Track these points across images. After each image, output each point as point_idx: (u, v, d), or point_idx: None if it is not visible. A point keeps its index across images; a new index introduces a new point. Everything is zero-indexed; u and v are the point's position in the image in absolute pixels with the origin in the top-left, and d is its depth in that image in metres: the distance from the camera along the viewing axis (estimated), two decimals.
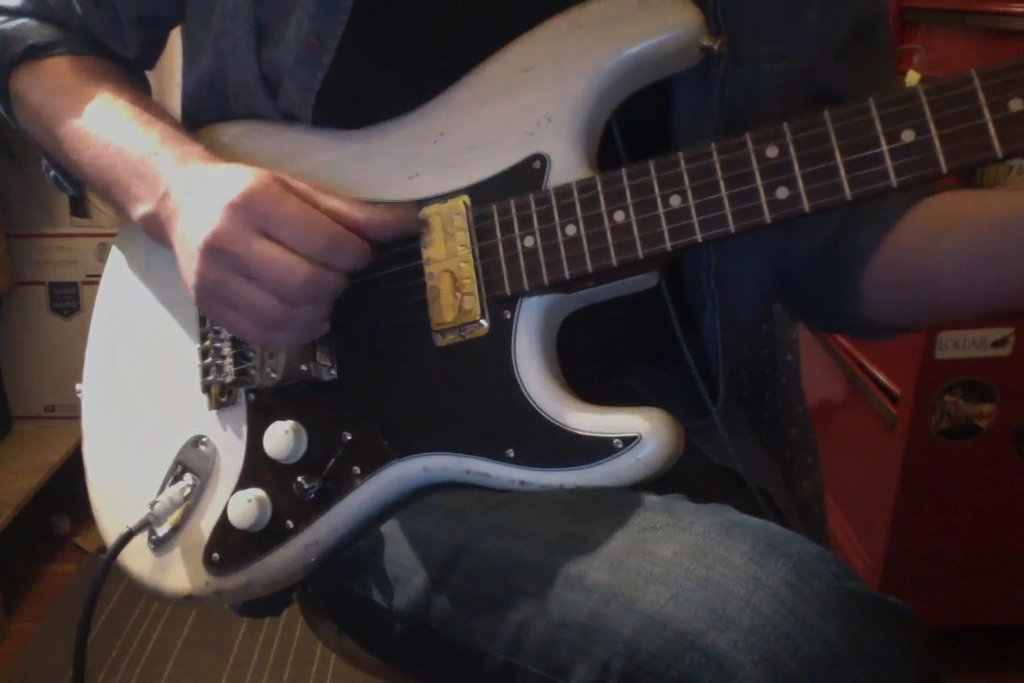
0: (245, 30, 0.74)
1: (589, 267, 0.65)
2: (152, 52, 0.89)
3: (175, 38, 0.90)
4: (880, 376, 1.70)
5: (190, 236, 0.67)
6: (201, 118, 0.82)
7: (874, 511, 1.70)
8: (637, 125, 0.71)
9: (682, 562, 0.54)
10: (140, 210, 0.73)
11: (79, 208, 2.18)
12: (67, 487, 2.08)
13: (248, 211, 0.65)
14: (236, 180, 0.66)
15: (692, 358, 0.75)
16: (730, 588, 0.52)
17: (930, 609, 1.65)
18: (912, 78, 1.78)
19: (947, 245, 0.68)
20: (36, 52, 0.82)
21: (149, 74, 0.92)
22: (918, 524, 1.65)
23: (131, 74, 0.86)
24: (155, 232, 0.73)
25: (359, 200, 0.71)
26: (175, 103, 0.87)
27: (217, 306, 0.68)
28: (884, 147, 0.57)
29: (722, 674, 0.50)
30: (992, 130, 0.54)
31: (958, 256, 0.67)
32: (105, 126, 0.77)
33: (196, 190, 0.69)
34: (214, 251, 0.65)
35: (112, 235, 0.90)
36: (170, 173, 0.71)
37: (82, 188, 0.90)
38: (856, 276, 0.76)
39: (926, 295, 0.71)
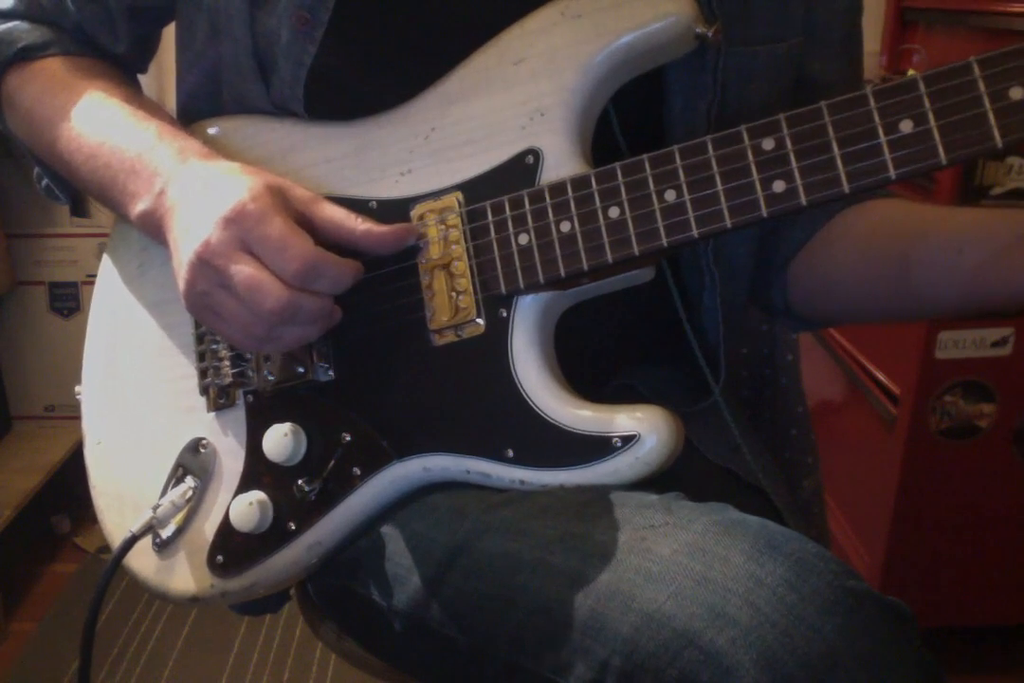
0: (237, 5, 0.73)
1: (584, 265, 0.65)
2: (144, 50, 0.88)
3: (171, 50, 0.90)
4: (880, 376, 1.70)
5: (182, 244, 0.67)
6: (195, 115, 0.82)
7: (874, 511, 1.70)
8: (630, 107, 0.71)
9: (681, 560, 0.54)
10: (137, 207, 0.72)
11: (79, 208, 2.17)
12: (67, 487, 2.08)
13: (236, 227, 0.64)
14: (231, 191, 0.65)
15: (694, 337, 0.76)
16: (729, 586, 0.52)
17: (930, 609, 1.65)
18: None
19: (845, 258, 0.75)
20: (28, 53, 0.81)
21: (150, 75, 0.91)
22: (918, 524, 1.65)
23: (123, 73, 0.86)
24: (151, 229, 0.72)
25: (344, 204, 0.70)
26: (173, 106, 0.87)
27: (205, 313, 0.68)
28: (882, 138, 0.57)
29: (721, 672, 0.50)
30: (992, 119, 0.54)
31: (852, 269, 0.74)
32: (99, 124, 0.77)
33: (192, 192, 0.68)
34: (201, 263, 0.65)
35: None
36: (167, 169, 0.71)
37: (74, 196, 0.89)
38: (782, 270, 0.80)
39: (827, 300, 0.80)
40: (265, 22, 0.73)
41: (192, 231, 0.66)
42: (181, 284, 0.67)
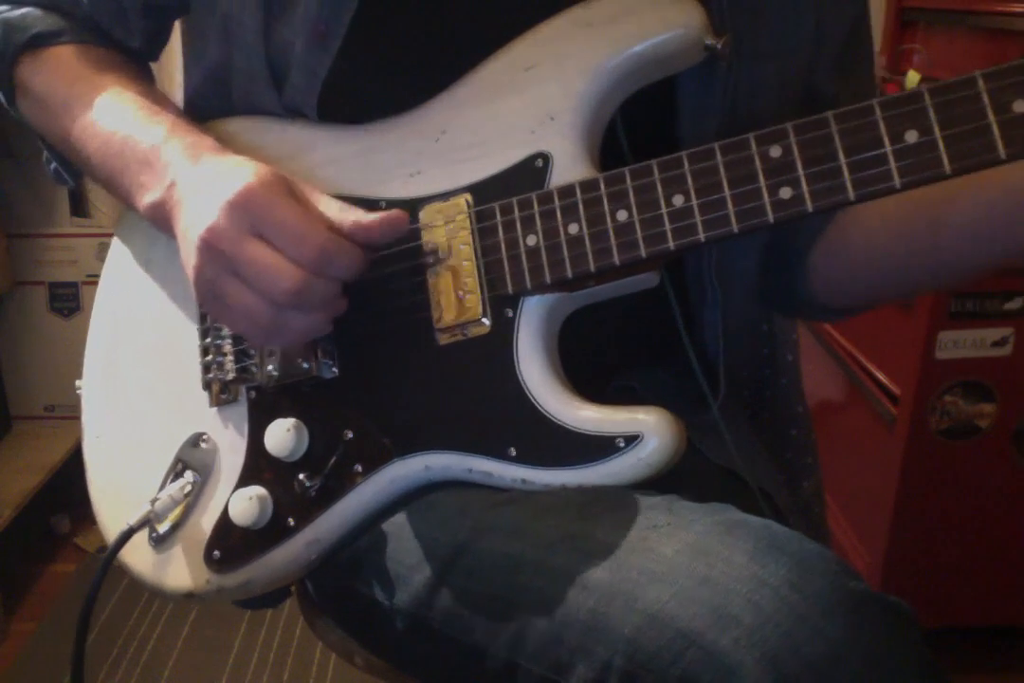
0: (252, 15, 0.74)
1: (592, 266, 0.65)
2: (157, 43, 0.88)
3: (175, 39, 0.90)
4: (880, 376, 1.70)
5: (190, 230, 0.67)
6: (203, 115, 0.82)
7: (874, 511, 1.70)
8: (640, 121, 0.71)
9: (683, 561, 0.54)
10: (147, 199, 0.73)
11: (79, 208, 2.18)
12: (67, 487, 2.08)
13: (245, 211, 0.64)
14: (239, 177, 0.65)
15: (694, 353, 0.75)
16: (731, 586, 0.52)
17: (930, 609, 1.65)
18: (912, 78, 1.79)
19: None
20: (41, 40, 0.81)
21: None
22: (918, 524, 1.65)
23: (136, 64, 0.86)
24: (160, 221, 0.72)
25: (353, 204, 0.69)
26: (176, 103, 0.87)
27: (213, 302, 0.68)
28: (888, 148, 0.57)
29: (724, 672, 0.50)
30: (996, 131, 0.54)
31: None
32: (113, 115, 0.77)
33: (201, 183, 0.68)
34: (209, 248, 0.64)
35: (112, 235, 0.89)
36: (178, 163, 0.71)
37: (81, 181, 0.90)
38: (802, 262, 0.79)
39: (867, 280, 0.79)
40: (280, 32, 0.73)
41: (199, 219, 0.65)
42: (190, 272, 0.67)
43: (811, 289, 0.81)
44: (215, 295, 0.66)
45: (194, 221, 0.66)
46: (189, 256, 0.66)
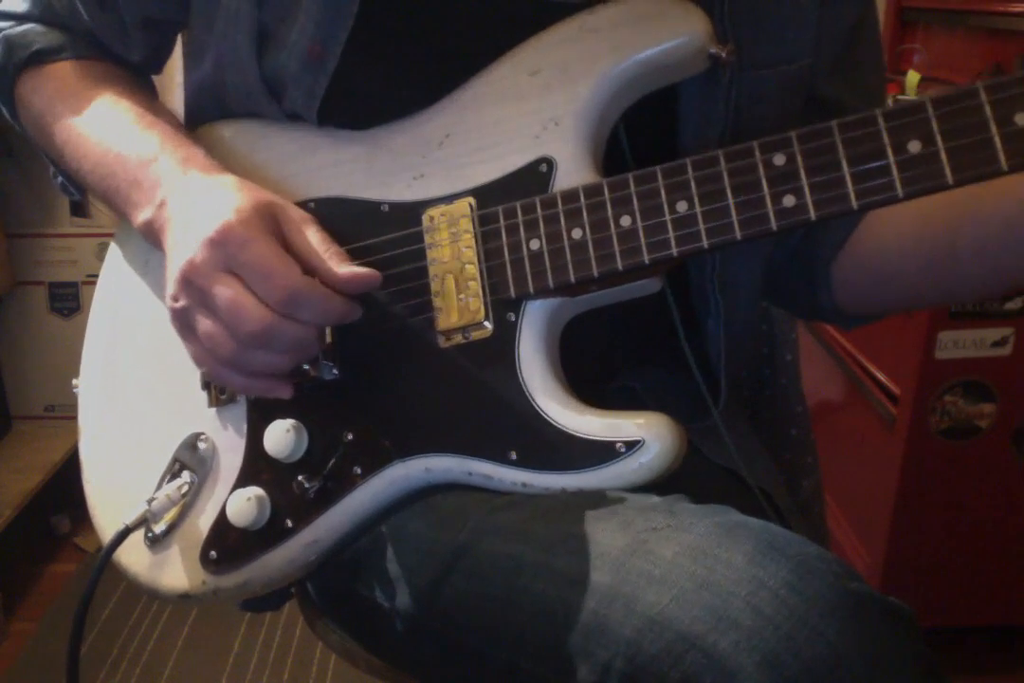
0: (246, 35, 0.73)
1: (595, 271, 0.65)
2: (159, 56, 0.88)
3: (177, 39, 0.90)
4: (880, 376, 1.70)
5: (170, 260, 0.68)
6: (203, 119, 0.82)
7: (874, 511, 1.70)
8: (643, 129, 0.71)
9: (683, 563, 0.54)
10: (139, 217, 0.73)
11: (79, 208, 2.18)
12: (67, 487, 2.08)
13: (219, 248, 0.64)
14: (219, 210, 0.65)
15: (695, 361, 0.75)
16: (731, 589, 0.52)
17: (930, 609, 1.65)
18: (912, 78, 1.79)
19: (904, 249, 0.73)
20: (41, 57, 0.82)
21: None
22: (918, 524, 1.65)
23: (136, 78, 0.86)
24: (151, 238, 0.73)
25: (356, 206, 0.69)
26: (175, 104, 0.87)
27: (183, 330, 0.68)
28: (891, 158, 0.57)
29: (724, 675, 0.50)
30: (998, 143, 0.55)
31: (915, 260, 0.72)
32: (105, 132, 0.77)
33: (188, 206, 0.69)
34: (185, 281, 0.65)
35: (112, 235, 0.89)
36: (169, 181, 0.71)
37: (87, 193, 0.90)
38: (826, 272, 0.79)
39: (893, 289, 0.78)
40: (275, 52, 0.73)
41: (180, 248, 0.66)
42: (167, 297, 0.67)
43: (835, 299, 0.81)
44: (185, 323, 0.67)
45: (176, 250, 0.67)
46: (168, 282, 0.67)
